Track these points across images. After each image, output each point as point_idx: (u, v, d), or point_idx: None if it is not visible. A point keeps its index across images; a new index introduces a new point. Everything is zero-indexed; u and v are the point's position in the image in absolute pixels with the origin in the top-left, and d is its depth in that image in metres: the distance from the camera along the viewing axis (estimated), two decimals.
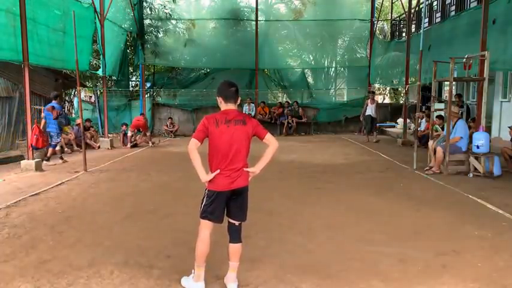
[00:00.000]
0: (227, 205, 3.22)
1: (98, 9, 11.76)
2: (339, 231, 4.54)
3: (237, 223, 3.28)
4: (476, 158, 7.42)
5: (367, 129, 13.28)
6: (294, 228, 4.67)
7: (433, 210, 5.31)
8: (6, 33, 8.12)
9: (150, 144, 12.54)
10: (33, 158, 8.42)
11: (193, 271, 3.29)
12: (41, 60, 9.39)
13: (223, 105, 3.23)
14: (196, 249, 3.23)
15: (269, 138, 3.30)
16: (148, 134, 12.86)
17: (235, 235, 3.28)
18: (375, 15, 17.39)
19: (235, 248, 3.26)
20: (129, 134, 12.53)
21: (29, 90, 8.25)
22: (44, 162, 8.97)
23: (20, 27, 8.03)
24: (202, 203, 3.21)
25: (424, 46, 9.22)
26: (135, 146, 12.52)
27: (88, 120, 12.63)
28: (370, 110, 12.97)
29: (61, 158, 9.54)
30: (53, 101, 9.50)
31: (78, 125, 11.67)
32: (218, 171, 3.10)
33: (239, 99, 3.30)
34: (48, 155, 9.26)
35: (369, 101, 13.20)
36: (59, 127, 9.40)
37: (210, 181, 3.12)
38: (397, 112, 16.33)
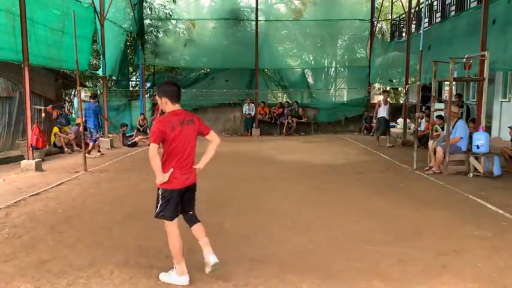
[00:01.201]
0: (183, 199, 3.37)
1: (98, 9, 11.77)
2: (339, 231, 4.54)
3: (191, 212, 3.46)
4: (476, 158, 7.42)
5: (379, 132, 12.06)
6: (294, 228, 4.66)
7: (433, 210, 5.31)
8: (6, 33, 8.12)
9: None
10: (33, 158, 8.41)
11: (174, 267, 3.36)
12: (39, 60, 9.38)
13: (171, 106, 3.25)
14: (170, 247, 3.33)
15: (212, 135, 3.47)
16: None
17: (192, 219, 3.44)
18: (375, 15, 17.40)
19: (197, 228, 3.41)
20: None
21: (29, 90, 8.24)
22: (87, 155, 9.99)
23: (20, 27, 8.03)
24: (158, 204, 3.28)
25: (424, 46, 9.22)
26: (134, 145, 12.52)
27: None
28: (383, 112, 11.80)
29: (99, 151, 10.39)
30: (91, 101, 10.61)
31: (78, 124, 11.68)
32: (172, 170, 3.21)
33: None
34: (89, 148, 10.23)
35: (382, 101, 12.04)
36: (97, 123, 10.46)
37: (169, 181, 3.21)
38: (397, 112, 16.33)
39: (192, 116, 3.36)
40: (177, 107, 3.26)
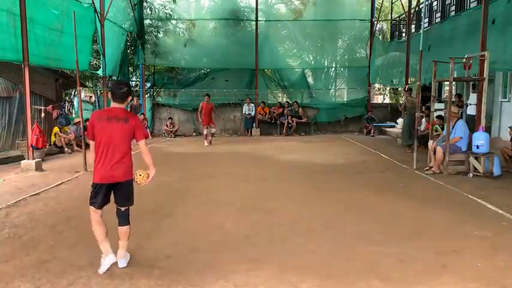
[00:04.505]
0: (114, 193, 3.60)
1: (98, 9, 11.76)
2: (339, 231, 4.54)
3: (122, 208, 3.66)
4: (476, 158, 7.42)
5: None
6: (294, 228, 4.67)
7: (433, 210, 5.31)
8: (7, 33, 8.12)
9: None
10: (33, 158, 8.42)
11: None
12: (40, 60, 9.37)
13: (111, 103, 3.56)
14: (94, 232, 3.63)
15: (141, 143, 3.62)
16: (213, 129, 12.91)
17: (121, 219, 3.68)
18: (375, 15, 17.40)
19: (122, 230, 3.67)
20: (206, 132, 12.69)
21: (29, 90, 8.25)
22: None
23: (20, 27, 8.03)
24: (90, 193, 3.60)
25: (424, 46, 9.21)
26: None
27: (88, 120, 12.65)
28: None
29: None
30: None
31: (75, 124, 11.69)
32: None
33: (129, 98, 3.63)
34: None
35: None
36: None
37: (94, 174, 3.54)
38: (397, 112, 16.34)
39: (128, 116, 3.54)
40: (115, 104, 3.53)
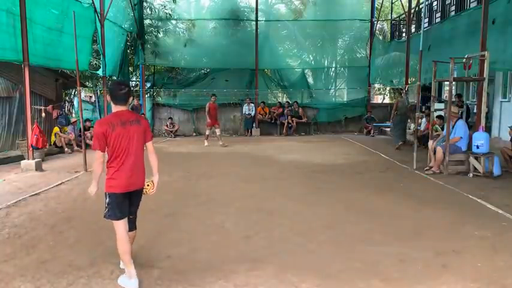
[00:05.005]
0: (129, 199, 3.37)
1: (98, 9, 11.75)
2: (339, 231, 4.55)
3: (131, 215, 3.47)
4: (476, 158, 7.42)
5: None
6: (294, 228, 4.67)
7: (433, 210, 5.31)
8: (7, 33, 8.12)
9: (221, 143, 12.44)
10: (33, 158, 8.42)
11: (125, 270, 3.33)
12: (40, 60, 9.36)
13: (113, 106, 3.30)
14: (118, 248, 3.31)
15: (149, 145, 3.46)
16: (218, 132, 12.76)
17: (131, 224, 3.49)
18: (375, 15, 17.41)
19: (130, 235, 3.45)
20: (208, 132, 12.74)
21: (29, 90, 8.25)
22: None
23: (20, 27, 8.03)
24: (105, 205, 3.29)
25: (424, 46, 9.21)
26: None
27: (88, 120, 12.64)
28: None
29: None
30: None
31: (72, 123, 11.69)
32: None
33: (131, 98, 3.42)
34: None
35: None
36: None
37: (110, 184, 3.25)
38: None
39: (138, 117, 3.38)
40: (119, 108, 3.28)
